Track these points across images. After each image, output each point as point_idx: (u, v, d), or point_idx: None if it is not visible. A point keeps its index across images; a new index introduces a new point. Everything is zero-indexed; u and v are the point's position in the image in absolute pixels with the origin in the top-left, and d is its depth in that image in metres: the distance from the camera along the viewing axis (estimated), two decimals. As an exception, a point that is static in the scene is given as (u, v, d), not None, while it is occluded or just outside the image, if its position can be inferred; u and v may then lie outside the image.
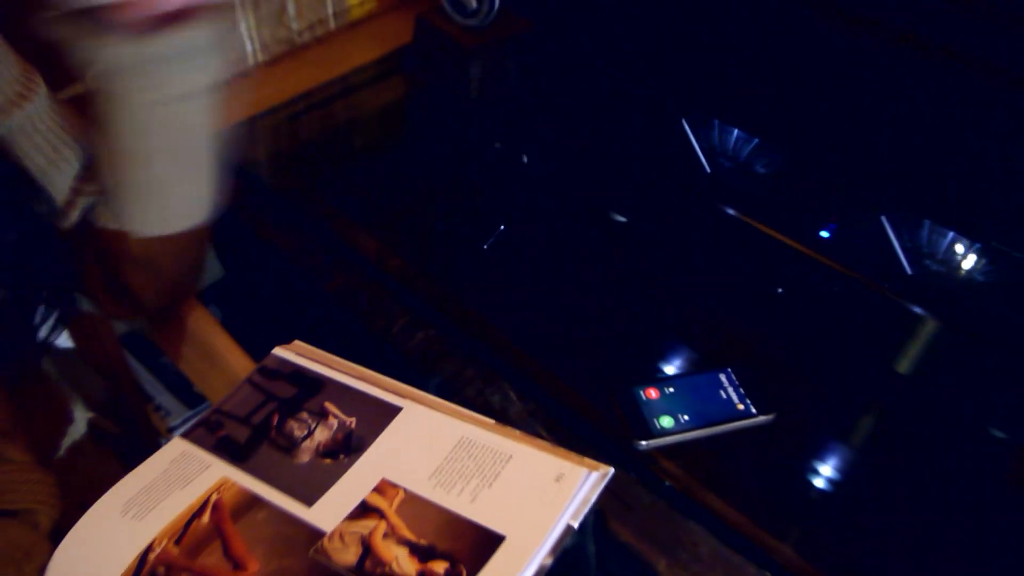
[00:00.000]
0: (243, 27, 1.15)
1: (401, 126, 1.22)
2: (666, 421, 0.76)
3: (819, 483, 0.74)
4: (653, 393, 0.78)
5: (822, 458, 0.76)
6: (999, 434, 0.77)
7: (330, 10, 1.26)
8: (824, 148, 0.85)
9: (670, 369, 0.82)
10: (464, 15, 1.12)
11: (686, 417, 0.77)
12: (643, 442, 0.74)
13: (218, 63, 0.63)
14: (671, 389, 0.79)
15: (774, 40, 0.84)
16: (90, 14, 0.56)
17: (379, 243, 0.94)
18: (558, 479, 0.56)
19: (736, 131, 0.91)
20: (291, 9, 1.20)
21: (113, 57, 0.58)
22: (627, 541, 0.74)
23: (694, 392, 0.79)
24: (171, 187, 0.66)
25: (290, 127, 1.14)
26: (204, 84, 0.63)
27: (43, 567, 0.58)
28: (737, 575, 0.70)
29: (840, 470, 0.75)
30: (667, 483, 0.72)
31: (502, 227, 0.98)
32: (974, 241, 0.75)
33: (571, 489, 0.55)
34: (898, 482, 0.74)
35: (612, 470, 0.57)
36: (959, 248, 0.76)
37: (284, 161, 1.09)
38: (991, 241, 0.74)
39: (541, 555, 0.52)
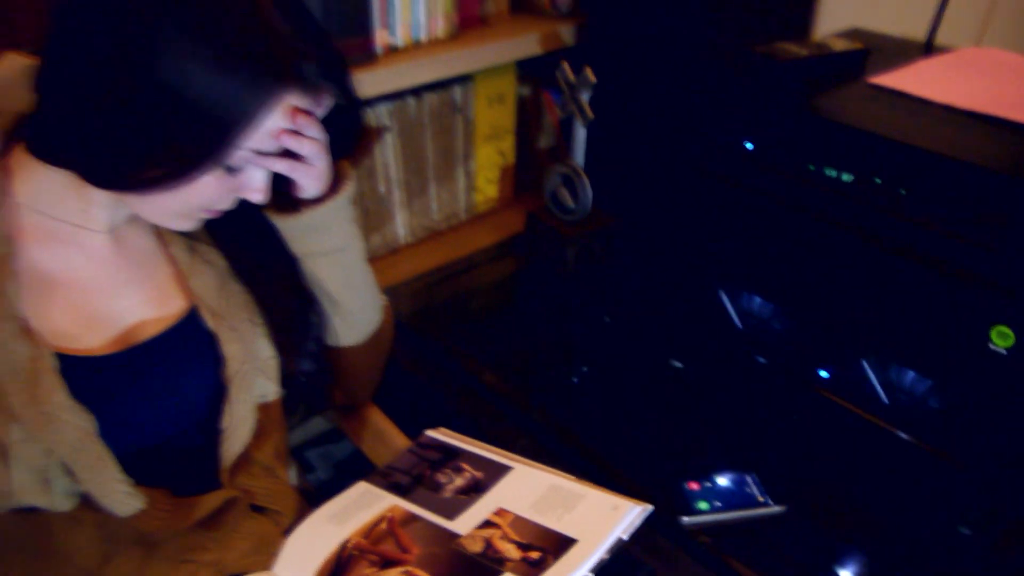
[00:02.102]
0: (398, 219, 1.53)
1: (512, 293, 1.50)
2: (703, 505, 1.00)
3: (818, 556, 0.95)
4: (695, 486, 1.01)
5: (821, 539, 0.96)
6: (965, 531, 0.98)
7: (462, 206, 1.62)
8: (821, 311, 1.09)
9: (709, 470, 1.04)
10: (564, 212, 1.43)
11: (718, 503, 1.00)
12: (685, 518, 0.97)
13: (338, 234, 0.89)
14: (708, 483, 1.02)
15: (784, 239, 1.09)
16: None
17: (495, 375, 1.21)
18: (614, 508, 0.84)
19: (758, 298, 1.15)
20: (434, 205, 1.57)
21: (281, 227, 0.89)
22: (672, 593, 0.98)
23: (726, 487, 1.01)
24: (347, 309, 0.95)
25: (429, 290, 1.45)
26: (331, 246, 0.89)
27: (277, 552, 0.87)
28: (753, 621, 0.92)
29: (836, 550, 0.96)
30: (703, 547, 0.96)
31: (585, 368, 1.26)
32: (926, 377, 1.00)
33: (622, 514, 0.82)
34: (871, 557, 0.95)
35: (652, 507, 0.84)
36: (917, 383, 1.00)
37: (424, 315, 1.38)
38: (940, 378, 0.99)
39: (600, 551, 0.79)
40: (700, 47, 1.30)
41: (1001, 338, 0.89)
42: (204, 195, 0.76)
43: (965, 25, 1.33)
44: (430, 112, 1.47)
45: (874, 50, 1.22)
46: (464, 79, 1.49)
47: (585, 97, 1.33)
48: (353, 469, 1.53)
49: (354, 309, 0.96)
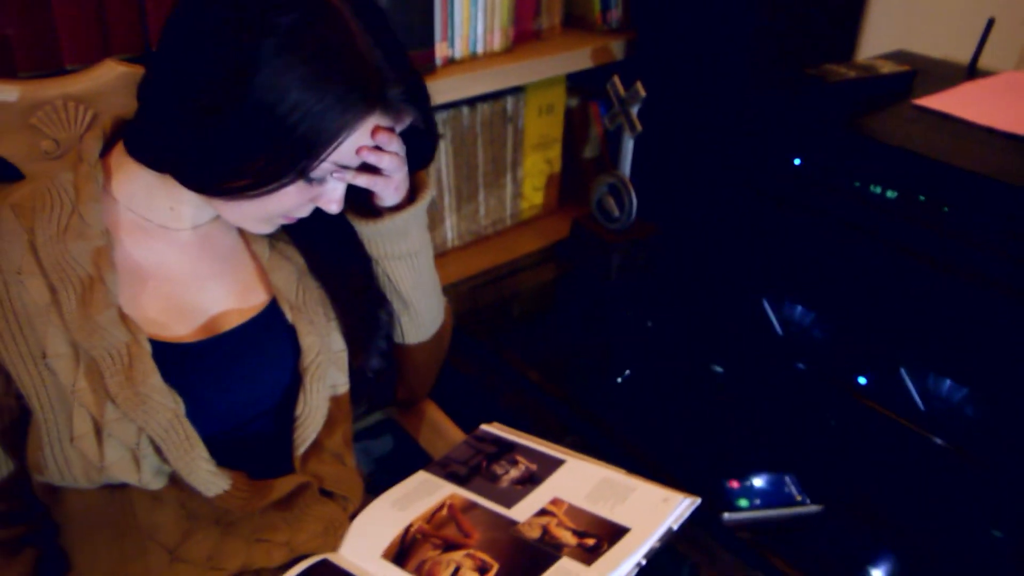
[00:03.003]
0: (448, 223, 1.58)
1: (555, 297, 1.55)
2: (743, 503, 1.04)
3: (853, 551, 0.99)
4: (735, 484, 1.06)
5: (854, 535, 1.01)
6: (998, 534, 1.02)
7: (508, 212, 1.67)
8: (859, 320, 1.13)
9: (749, 470, 1.08)
10: (608, 220, 1.49)
11: (758, 501, 1.04)
12: (726, 515, 1.01)
13: (415, 239, 0.96)
14: (748, 482, 1.07)
15: (827, 251, 1.15)
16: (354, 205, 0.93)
17: (540, 374, 1.27)
18: (664, 500, 0.88)
19: (800, 307, 1.20)
20: (481, 211, 1.62)
21: (362, 231, 0.95)
22: (714, 586, 1.02)
23: (765, 486, 1.05)
24: (416, 309, 1.02)
25: (475, 293, 1.50)
26: (407, 250, 0.96)
27: (343, 534, 0.93)
28: (791, 612, 0.97)
29: (869, 546, 1.00)
30: (743, 542, 1.01)
31: (628, 371, 1.31)
32: (963, 386, 1.04)
33: (672, 506, 0.87)
34: (904, 557, 0.99)
35: (700, 499, 0.89)
36: (954, 391, 1.04)
37: (471, 316, 1.43)
38: (976, 386, 1.03)
39: (652, 540, 0.83)
40: (748, 65, 1.35)
41: (1038, 350, 0.94)
42: (285, 204, 0.82)
43: (1007, 49, 1.37)
44: (482, 121, 1.52)
45: (919, 72, 1.27)
46: (516, 90, 1.54)
47: (635, 110, 1.38)
48: (392, 465, 1.58)
49: (422, 309, 1.02)
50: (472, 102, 1.49)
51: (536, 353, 1.33)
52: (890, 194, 1.04)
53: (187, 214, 0.88)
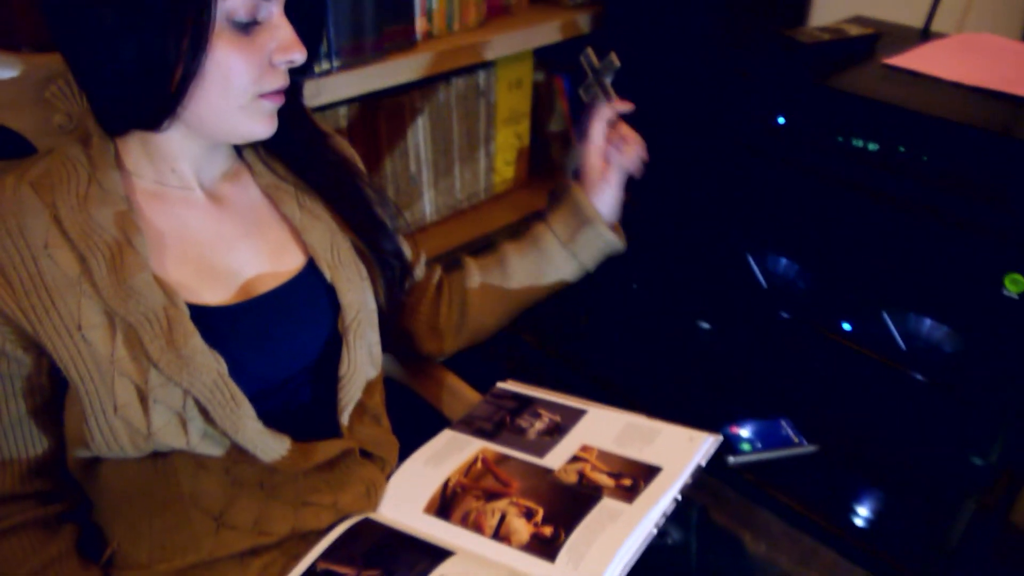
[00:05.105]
0: (426, 197, 1.60)
1: None
2: (745, 447, 1.10)
3: (843, 485, 1.05)
4: (736, 430, 1.13)
5: (845, 470, 1.07)
6: (978, 461, 1.10)
7: (482, 186, 1.70)
8: (843, 269, 1.20)
9: (747, 416, 1.14)
10: None
11: (759, 445, 1.11)
12: (731, 458, 1.07)
13: None
14: (748, 427, 1.14)
15: (812, 204, 1.20)
16: None
17: (538, 339, 1.30)
18: (691, 439, 0.94)
19: (783, 259, 1.26)
20: (457, 185, 1.65)
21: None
22: (723, 525, 1.08)
23: (763, 430, 1.12)
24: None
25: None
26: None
27: (383, 494, 0.95)
28: (796, 542, 1.03)
29: (859, 478, 1.06)
30: (748, 480, 1.06)
31: (617, 334, 1.35)
32: (945, 324, 1.11)
33: (699, 443, 0.93)
34: (895, 486, 1.06)
35: (722, 437, 0.94)
36: (934, 330, 1.13)
37: None
38: (954, 325, 1.11)
39: (685, 476, 0.89)
40: (719, 31, 1.41)
41: (1014, 284, 1.02)
42: (240, 72, 0.80)
43: (948, 13, 1.47)
44: (457, 96, 1.55)
45: (880, 35, 1.35)
46: (487, 65, 1.57)
47: (609, 80, 1.43)
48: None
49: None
50: (447, 77, 1.51)
51: (525, 320, 1.36)
52: (871, 147, 1.11)
53: (187, 171, 0.89)
